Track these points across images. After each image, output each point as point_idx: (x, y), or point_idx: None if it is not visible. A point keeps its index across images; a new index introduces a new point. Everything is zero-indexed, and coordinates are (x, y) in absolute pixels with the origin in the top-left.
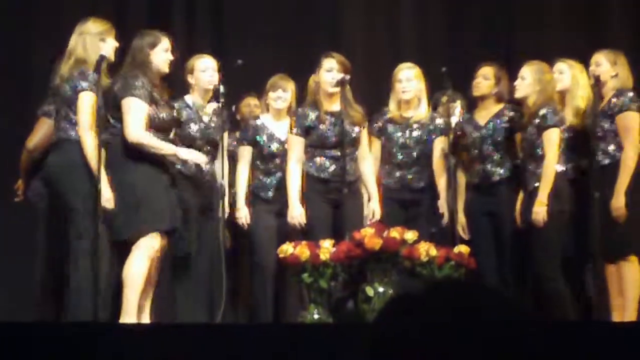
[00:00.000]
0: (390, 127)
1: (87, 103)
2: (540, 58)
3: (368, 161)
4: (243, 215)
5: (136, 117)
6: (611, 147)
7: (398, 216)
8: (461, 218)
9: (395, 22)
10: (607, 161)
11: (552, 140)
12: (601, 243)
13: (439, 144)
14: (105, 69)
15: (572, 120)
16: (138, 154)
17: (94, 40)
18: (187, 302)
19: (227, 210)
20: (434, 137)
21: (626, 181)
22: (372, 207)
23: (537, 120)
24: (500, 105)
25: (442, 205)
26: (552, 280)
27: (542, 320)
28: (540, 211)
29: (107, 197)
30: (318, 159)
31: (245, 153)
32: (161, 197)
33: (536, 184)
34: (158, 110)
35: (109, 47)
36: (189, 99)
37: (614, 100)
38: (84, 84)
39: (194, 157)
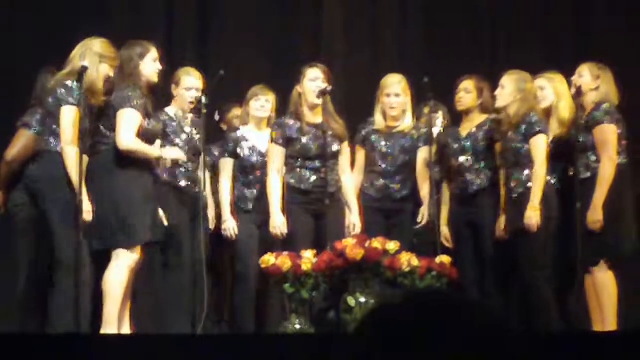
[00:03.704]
0: (374, 137)
1: (70, 117)
2: (523, 68)
3: (349, 174)
4: (230, 227)
5: (129, 127)
6: (591, 160)
7: (380, 226)
8: (444, 230)
9: (377, 33)
10: (588, 174)
11: (541, 146)
12: (581, 253)
13: (422, 154)
14: (100, 88)
15: (557, 131)
16: (126, 166)
17: (92, 58)
18: (168, 313)
19: (210, 220)
20: (418, 146)
21: (604, 194)
22: (353, 221)
23: (523, 128)
24: (484, 117)
25: (424, 211)
26: (539, 286)
27: (523, 331)
28: (534, 216)
29: (87, 209)
30: (298, 170)
31: (227, 165)
32: (144, 210)
33: (522, 191)
34: (150, 123)
35: (100, 71)
36: (171, 110)
37: (592, 113)
38: (68, 98)
39: (177, 154)
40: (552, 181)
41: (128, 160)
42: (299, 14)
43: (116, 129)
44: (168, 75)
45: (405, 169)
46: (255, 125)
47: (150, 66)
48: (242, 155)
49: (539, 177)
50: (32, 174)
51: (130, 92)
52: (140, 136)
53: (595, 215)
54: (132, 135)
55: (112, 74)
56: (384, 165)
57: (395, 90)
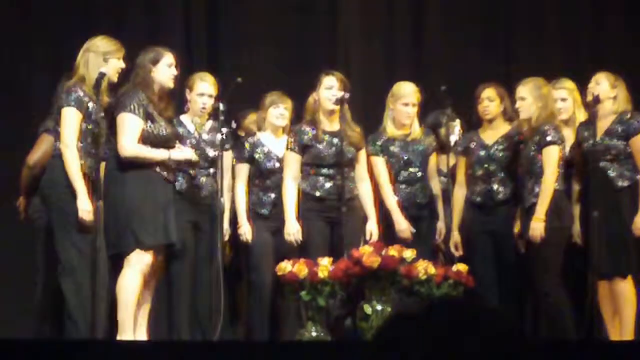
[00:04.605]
0: (392, 146)
1: (68, 119)
2: (540, 74)
3: (367, 182)
4: (245, 231)
5: (128, 132)
6: (626, 169)
7: None
8: (455, 235)
9: (393, 40)
10: (624, 183)
11: (552, 158)
12: (600, 262)
13: (433, 160)
14: (106, 87)
15: (574, 139)
16: (134, 170)
17: (96, 59)
18: (185, 319)
19: (226, 227)
20: (432, 152)
21: None
22: (370, 228)
23: (537, 137)
24: (508, 126)
25: (441, 227)
26: (554, 296)
27: (539, 339)
28: (537, 227)
29: (87, 209)
30: (313, 177)
31: (242, 170)
32: (155, 213)
33: (533, 201)
34: (154, 127)
35: (110, 67)
36: (185, 117)
37: (624, 122)
38: (67, 100)
39: (186, 155)
40: (563, 187)
41: (134, 165)
42: (315, 20)
43: (116, 135)
44: (185, 81)
45: (425, 176)
46: (272, 132)
47: (164, 71)
48: (258, 160)
49: (546, 188)
50: (43, 179)
51: (129, 96)
52: (144, 141)
53: None
54: (131, 141)
55: (123, 65)
56: (406, 173)
57: (412, 100)
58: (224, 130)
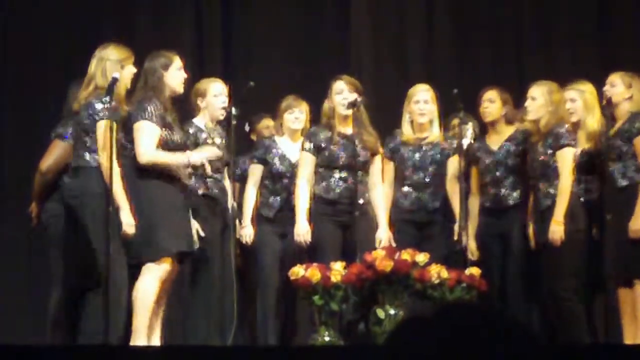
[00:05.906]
0: (404, 149)
1: (104, 132)
2: (551, 77)
3: (379, 188)
4: (247, 233)
5: (147, 140)
6: (629, 169)
7: (412, 237)
8: (471, 243)
9: (404, 44)
10: (625, 183)
11: (567, 159)
12: (614, 265)
13: (452, 165)
14: (124, 96)
15: (586, 145)
16: (151, 176)
17: (114, 67)
18: (198, 324)
19: (238, 231)
20: (447, 157)
21: None
22: (380, 236)
23: (550, 140)
24: (512, 129)
25: (458, 229)
26: (567, 300)
27: (552, 343)
28: (557, 230)
29: (130, 223)
30: (326, 180)
31: (255, 171)
32: (175, 220)
33: (549, 203)
34: (172, 134)
35: (127, 73)
36: (199, 121)
37: (631, 122)
38: (105, 114)
39: (206, 155)
40: (580, 193)
41: (150, 172)
42: (326, 25)
43: (134, 143)
44: (191, 87)
45: (436, 180)
46: (289, 137)
47: (175, 76)
48: (270, 162)
49: (564, 191)
50: (70, 189)
51: (146, 104)
52: (162, 148)
53: (638, 224)
54: (150, 148)
55: (135, 70)
56: (416, 177)
57: (424, 97)
58: (235, 134)
